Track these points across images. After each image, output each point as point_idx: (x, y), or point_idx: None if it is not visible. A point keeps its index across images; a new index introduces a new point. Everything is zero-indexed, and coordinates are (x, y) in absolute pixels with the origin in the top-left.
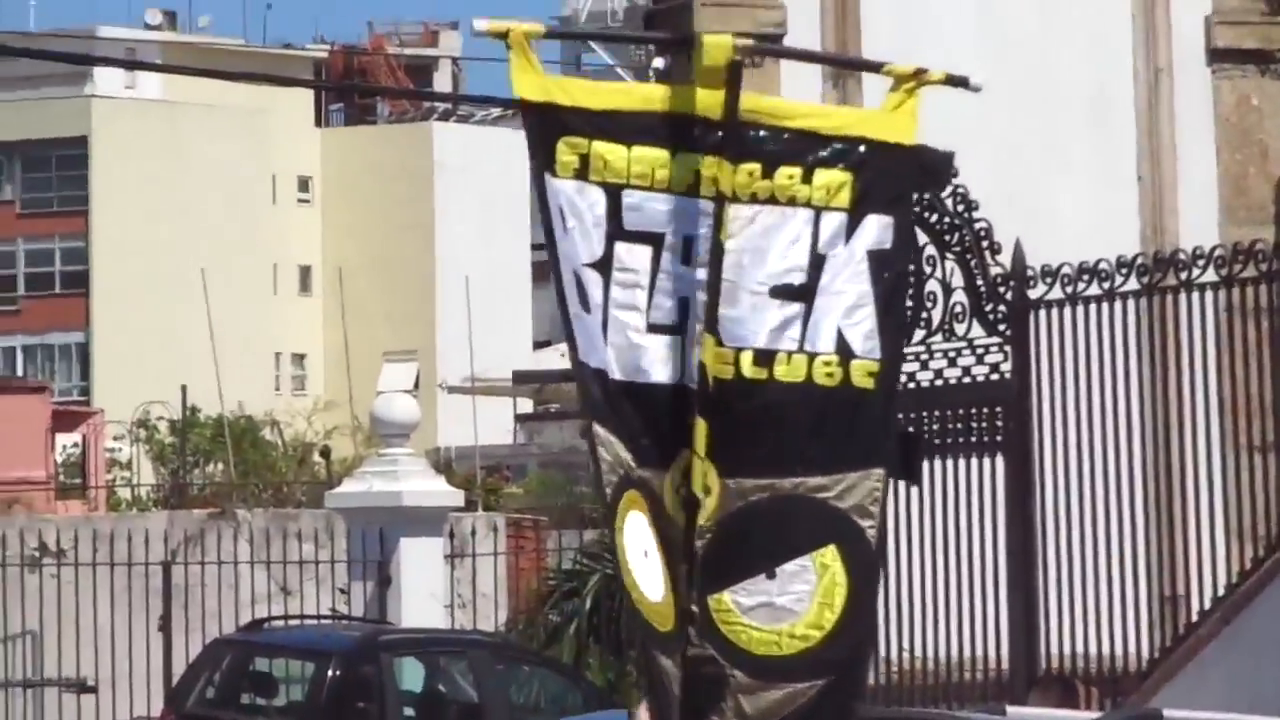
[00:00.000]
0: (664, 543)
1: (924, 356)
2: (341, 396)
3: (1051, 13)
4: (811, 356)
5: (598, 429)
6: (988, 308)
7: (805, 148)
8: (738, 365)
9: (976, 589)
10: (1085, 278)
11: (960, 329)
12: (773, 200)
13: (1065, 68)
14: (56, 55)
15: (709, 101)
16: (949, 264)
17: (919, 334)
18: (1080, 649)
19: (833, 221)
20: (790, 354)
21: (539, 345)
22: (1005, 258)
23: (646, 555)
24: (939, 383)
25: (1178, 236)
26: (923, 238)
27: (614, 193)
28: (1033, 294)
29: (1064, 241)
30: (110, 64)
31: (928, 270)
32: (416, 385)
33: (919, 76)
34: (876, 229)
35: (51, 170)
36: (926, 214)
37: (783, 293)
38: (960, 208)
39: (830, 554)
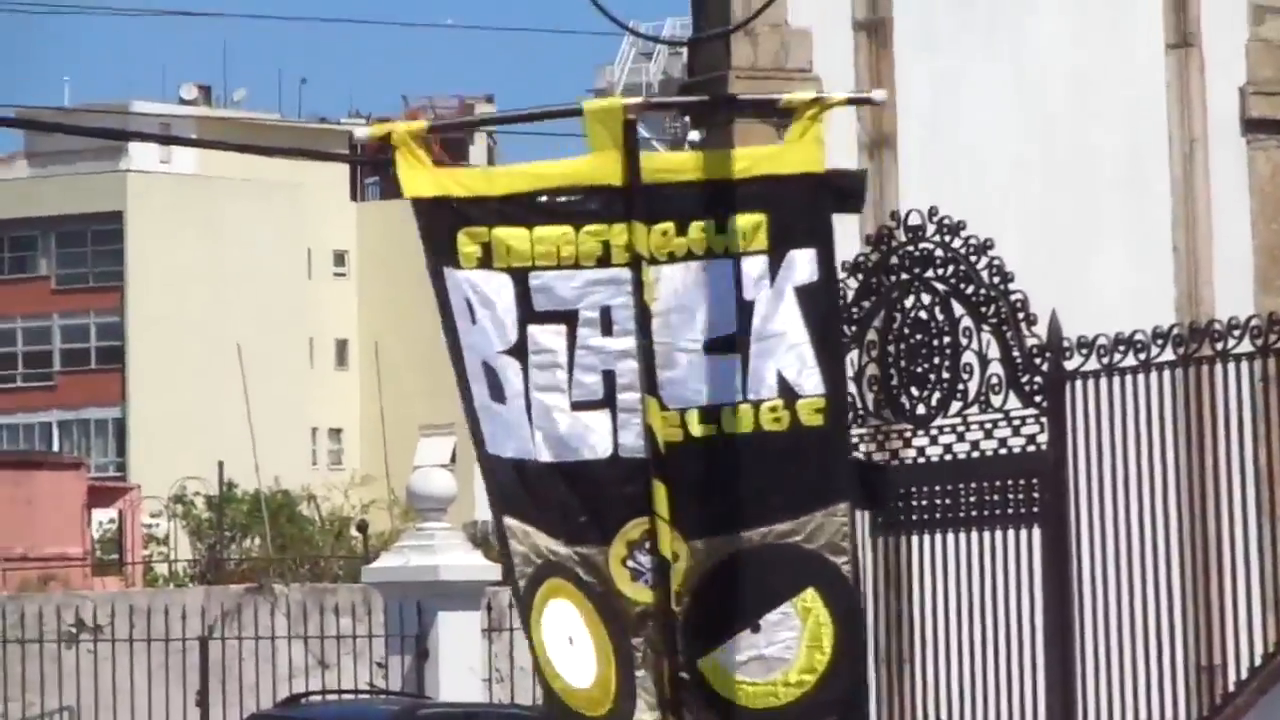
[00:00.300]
0: (610, 621)
1: (960, 428)
2: (378, 470)
3: (1087, 83)
4: (756, 404)
5: (510, 521)
6: (1024, 379)
7: (714, 198)
8: (685, 426)
9: (1014, 660)
10: (1121, 349)
11: (996, 400)
12: (690, 256)
13: (1100, 138)
14: (92, 131)
15: (606, 169)
16: (985, 335)
17: (955, 405)
18: (1117, 719)
19: (754, 265)
20: (735, 406)
21: None
22: (1041, 329)
23: (571, 642)
24: (975, 454)
25: (1213, 306)
26: (959, 309)
27: (520, 277)
28: (1069, 365)
29: (1100, 312)
30: (145, 139)
31: (964, 342)
32: (453, 459)
33: (819, 102)
34: (800, 264)
35: (87, 245)
36: (962, 285)
37: (717, 346)
38: (996, 279)
39: (810, 596)
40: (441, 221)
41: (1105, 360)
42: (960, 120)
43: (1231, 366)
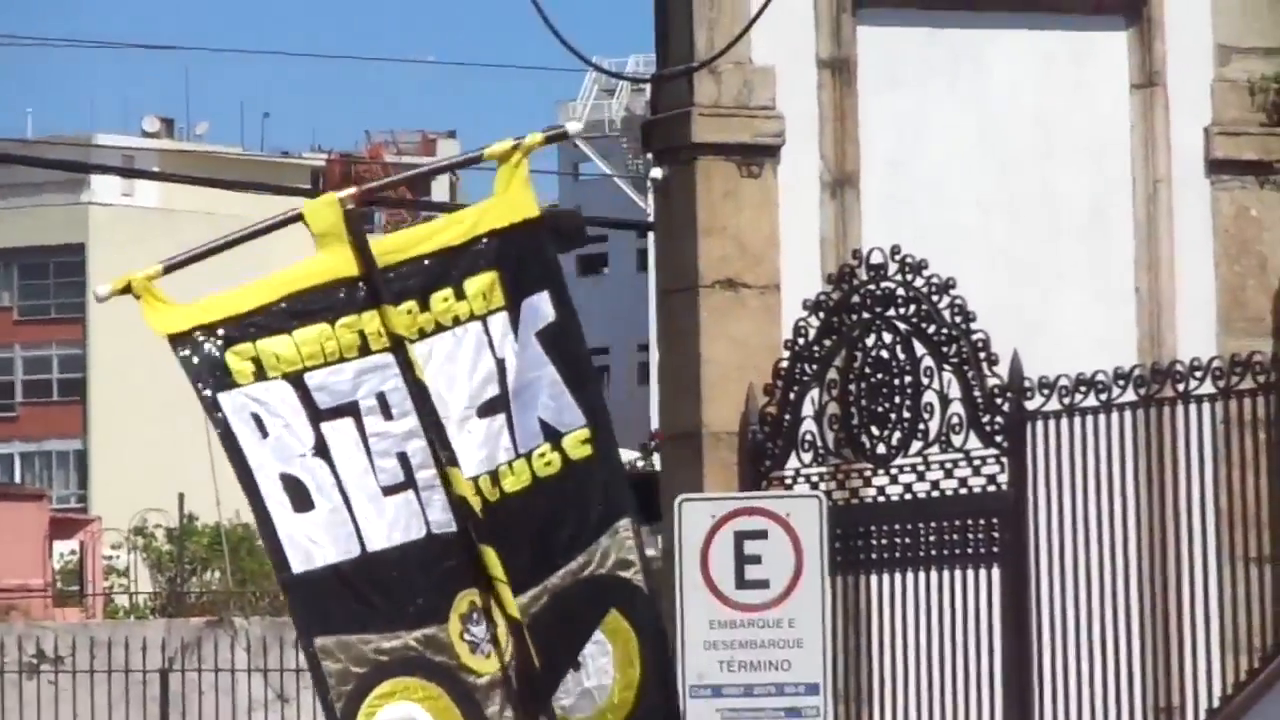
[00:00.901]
0: (459, 701)
1: (920, 468)
2: None
3: (1050, 123)
4: (528, 456)
5: (322, 642)
6: (985, 419)
7: (446, 266)
8: (481, 493)
9: (972, 699)
10: (1082, 389)
11: (957, 440)
12: (439, 328)
13: (1064, 177)
14: (54, 163)
15: (337, 262)
16: (946, 375)
17: (916, 444)
18: None
19: (497, 323)
20: (511, 463)
21: None
22: (1003, 369)
23: None
24: (935, 494)
25: (1175, 348)
26: (920, 349)
27: (297, 380)
28: (1030, 405)
29: (1062, 353)
30: (108, 171)
31: (925, 381)
32: None
33: (519, 146)
34: (537, 309)
35: (49, 277)
36: (924, 325)
37: (485, 409)
38: (958, 318)
39: (613, 618)
40: (204, 350)
41: (1066, 401)
42: (923, 159)
43: (1193, 408)
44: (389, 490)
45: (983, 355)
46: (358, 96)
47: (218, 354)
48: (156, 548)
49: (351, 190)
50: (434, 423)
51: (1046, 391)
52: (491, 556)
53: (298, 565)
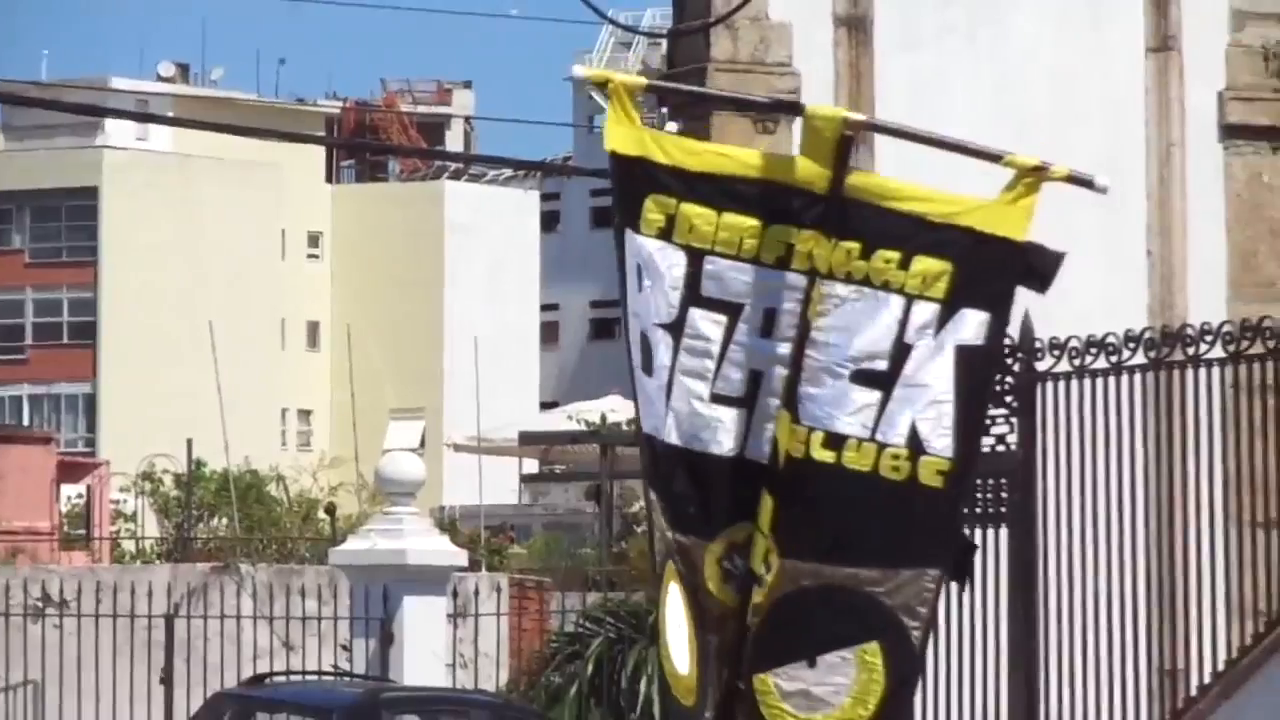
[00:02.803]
0: (696, 615)
1: None
2: (347, 453)
3: (1066, 84)
4: (881, 447)
5: (653, 497)
6: (995, 379)
7: (908, 232)
8: (808, 445)
9: (978, 658)
10: (1093, 351)
11: None
12: (867, 282)
13: (1078, 139)
14: (68, 106)
15: (811, 173)
16: None
17: None
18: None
19: (924, 311)
20: (861, 441)
21: (546, 406)
22: (1013, 330)
23: (679, 628)
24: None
25: (1186, 312)
26: None
27: (696, 258)
28: (1040, 366)
29: (1072, 315)
30: (122, 116)
31: None
32: (422, 444)
33: (1041, 172)
34: (971, 324)
35: (61, 220)
36: None
37: (863, 378)
38: None
39: (873, 650)
40: (634, 182)
41: (1076, 362)
42: (938, 119)
43: (1203, 372)
44: (719, 398)
45: None
46: (373, 44)
47: (642, 193)
48: (164, 493)
49: (860, 116)
50: (799, 359)
51: (1057, 353)
52: (768, 506)
53: (639, 415)
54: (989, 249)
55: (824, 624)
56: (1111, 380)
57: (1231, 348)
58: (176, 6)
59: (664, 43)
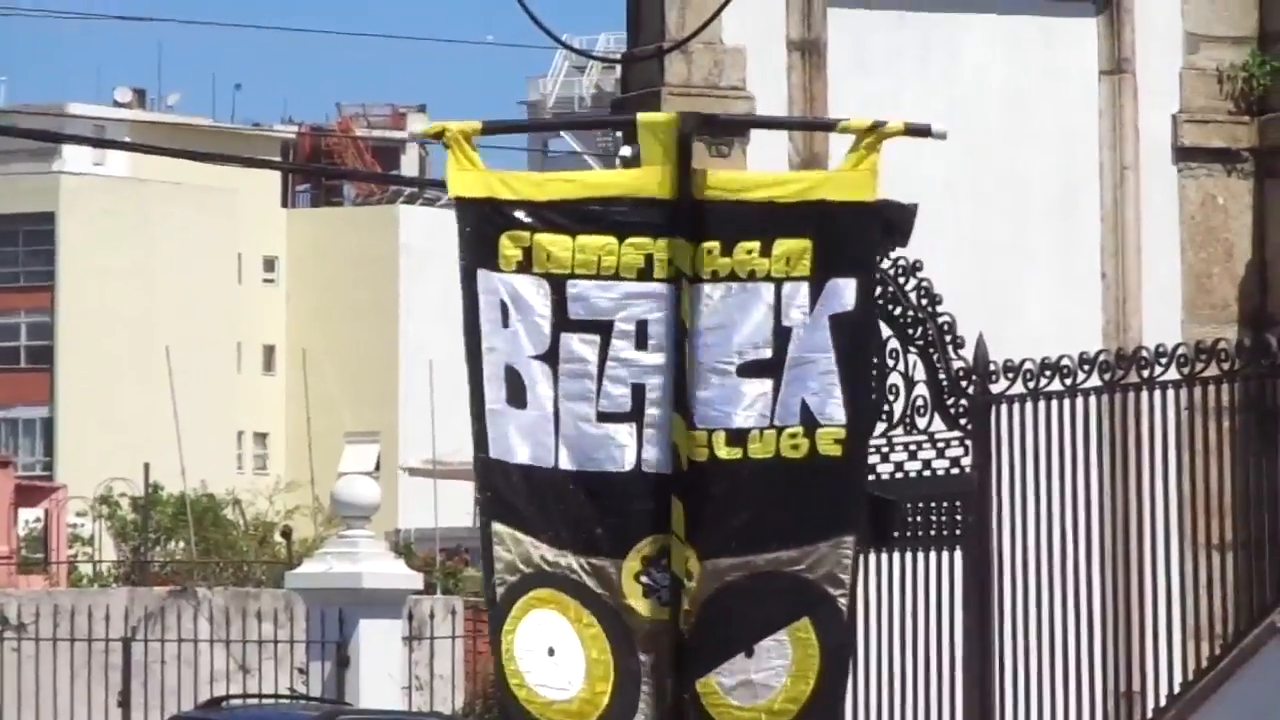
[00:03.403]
0: (611, 635)
1: (885, 449)
2: (303, 476)
3: (1020, 109)
4: (779, 430)
5: (498, 528)
6: (949, 402)
7: (763, 219)
8: (711, 446)
9: (933, 681)
10: (1047, 373)
11: (922, 423)
12: (733, 277)
13: (1032, 163)
14: (25, 132)
15: (658, 182)
16: (911, 357)
17: (880, 426)
18: None
19: (794, 291)
20: (762, 431)
21: None
22: (968, 352)
23: (552, 653)
24: (899, 476)
25: (1141, 334)
26: (886, 330)
27: (558, 284)
28: (994, 389)
29: (1027, 337)
30: (79, 142)
31: (890, 363)
32: (377, 467)
33: (878, 130)
34: (840, 293)
35: (19, 245)
36: (890, 307)
37: (750, 369)
38: (924, 301)
39: (804, 626)
40: (485, 223)
41: (1031, 385)
42: (892, 142)
43: (1157, 394)
44: (606, 417)
45: (948, 338)
46: (329, 69)
47: (495, 232)
48: (121, 516)
49: (693, 113)
50: (680, 364)
51: (1011, 375)
52: (679, 511)
53: (494, 451)
54: (843, 217)
55: (754, 613)
56: (1066, 403)
57: (1186, 370)
58: (132, 32)
59: (618, 67)
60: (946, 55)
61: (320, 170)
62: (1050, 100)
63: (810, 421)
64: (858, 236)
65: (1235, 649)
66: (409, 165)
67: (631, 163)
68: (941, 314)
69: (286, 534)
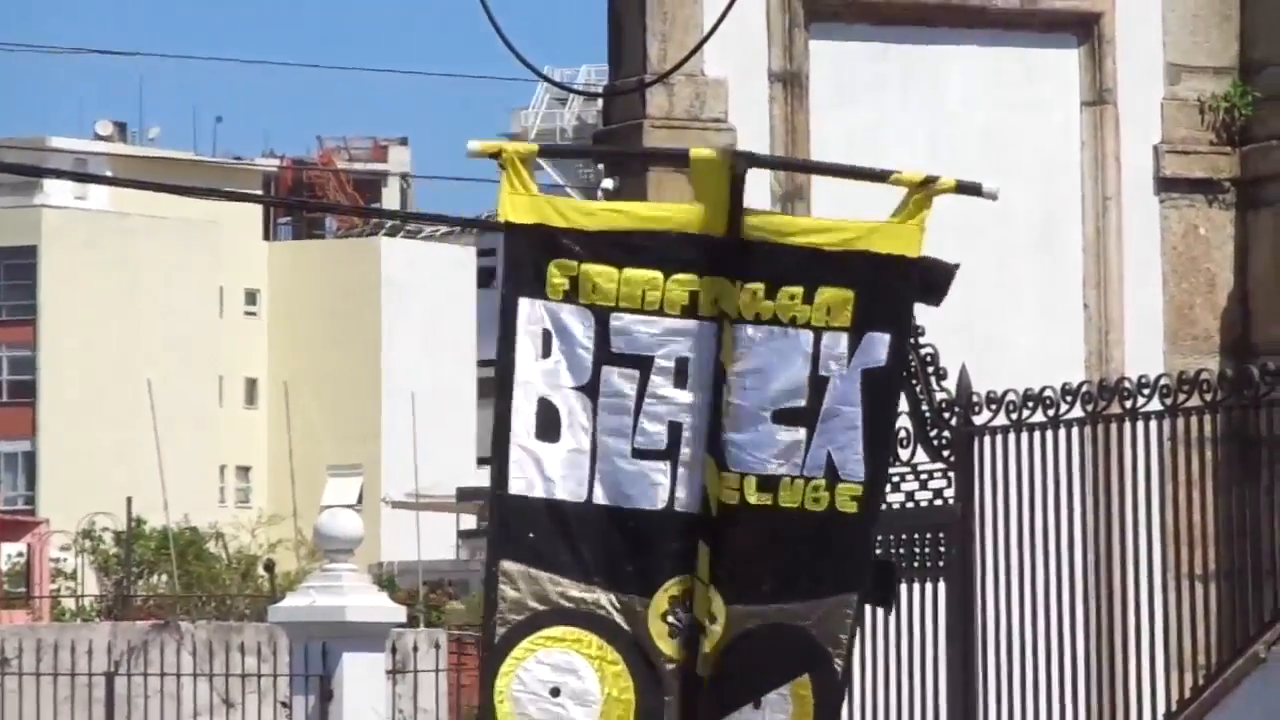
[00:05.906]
0: (635, 674)
1: None
2: (286, 510)
3: (1002, 140)
4: (807, 481)
5: (507, 566)
6: (932, 433)
7: (808, 265)
8: (742, 490)
9: (917, 713)
10: (1030, 405)
11: (904, 454)
12: (775, 321)
13: (1014, 193)
14: (7, 166)
15: (707, 219)
16: None
17: None
18: None
19: (834, 342)
20: (793, 479)
21: (483, 461)
22: (950, 384)
23: (556, 694)
24: (882, 508)
25: (1123, 365)
26: None
27: (602, 316)
28: (977, 420)
29: (1010, 368)
30: (61, 176)
31: None
32: (360, 500)
33: (929, 186)
34: (876, 347)
35: (0, 279)
36: None
37: (785, 417)
38: None
39: (804, 684)
40: (535, 249)
41: (1014, 416)
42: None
43: (1140, 425)
44: (642, 454)
45: (931, 369)
46: (310, 102)
47: (544, 259)
48: (104, 551)
49: (748, 153)
50: (717, 406)
51: (994, 407)
52: (705, 555)
53: (515, 488)
54: (887, 270)
55: (768, 664)
56: (1049, 434)
57: (1169, 401)
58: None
59: (600, 99)
60: (929, 87)
61: (302, 204)
62: (1032, 132)
63: (832, 475)
64: (898, 291)
65: (1218, 680)
66: (390, 198)
67: (613, 196)
68: (924, 345)
69: (269, 567)
